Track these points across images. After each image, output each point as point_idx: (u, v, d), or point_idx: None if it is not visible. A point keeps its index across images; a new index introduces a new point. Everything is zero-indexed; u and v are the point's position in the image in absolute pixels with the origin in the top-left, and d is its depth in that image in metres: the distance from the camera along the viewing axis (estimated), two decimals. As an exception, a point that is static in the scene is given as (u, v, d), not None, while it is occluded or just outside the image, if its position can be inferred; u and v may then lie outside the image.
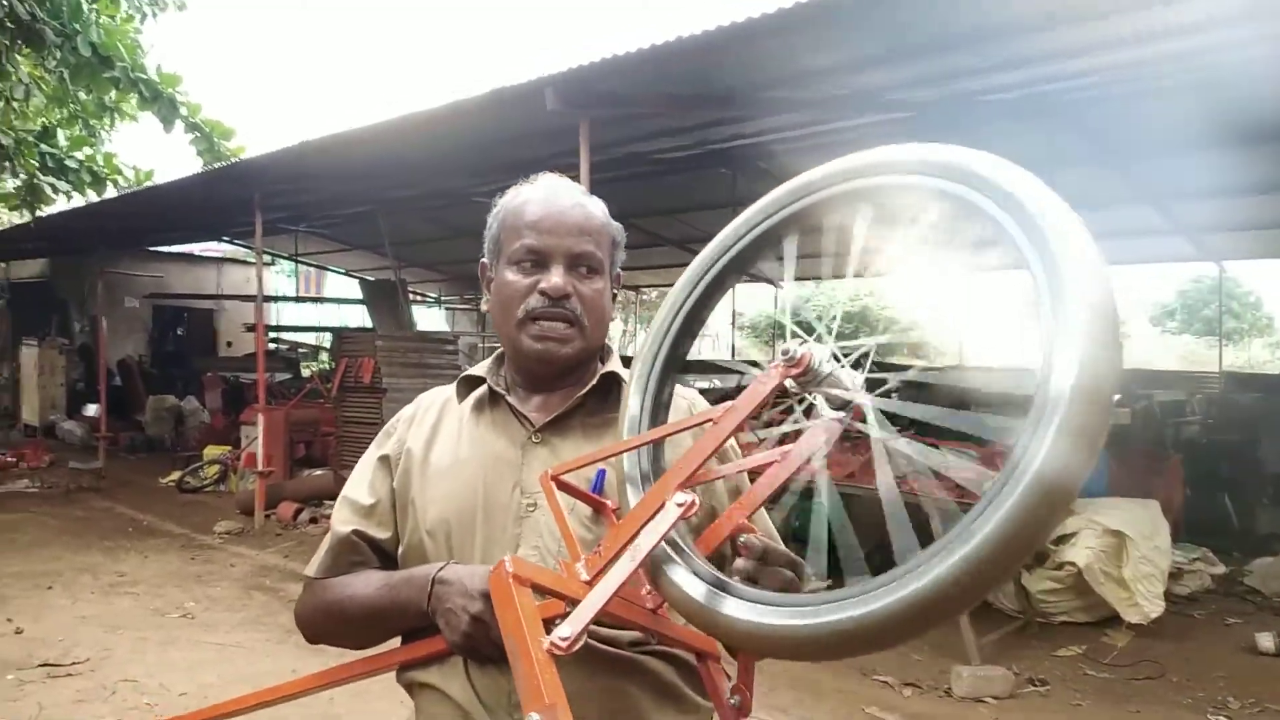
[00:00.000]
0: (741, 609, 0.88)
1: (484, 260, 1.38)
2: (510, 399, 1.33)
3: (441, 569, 1.20)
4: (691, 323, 1.14)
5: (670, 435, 1.06)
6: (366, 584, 1.29)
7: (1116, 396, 0.72)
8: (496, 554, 1.23)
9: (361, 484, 1.37)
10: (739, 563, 1.03)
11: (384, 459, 1.37)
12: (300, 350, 16.33)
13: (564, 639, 0.85)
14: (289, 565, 6.62)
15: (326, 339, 16.86)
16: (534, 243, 1.28)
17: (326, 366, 14.41)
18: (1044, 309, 0.74)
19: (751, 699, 1.05)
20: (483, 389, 1.36)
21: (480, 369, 1.40)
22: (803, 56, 4.51)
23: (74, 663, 4.61)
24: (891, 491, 0.83)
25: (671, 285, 1.16)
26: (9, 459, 11.20)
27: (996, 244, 0.80)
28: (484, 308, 1.40)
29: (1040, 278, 0.76)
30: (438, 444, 1.35)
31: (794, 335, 0.91)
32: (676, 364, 1.14)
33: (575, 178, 5.11)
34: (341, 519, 1.35)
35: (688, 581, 0.94)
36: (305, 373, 14.70)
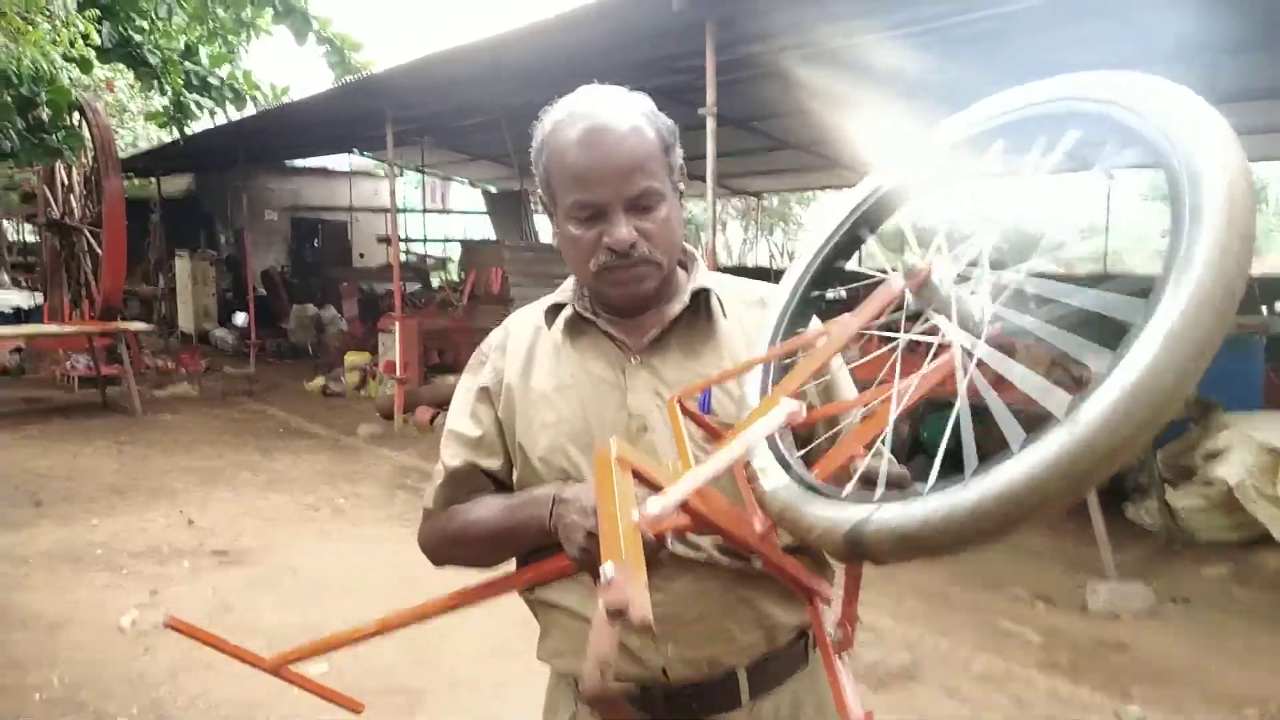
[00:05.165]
0: (828, 507, 0.86)
1: (539, 191, 1.33)
2: (600, 323, 1.31)
3: (562, 488, 1.20)
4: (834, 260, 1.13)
5: (785, 354, 1.07)
6: (489, 509, 1.31)
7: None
8: None
9: (464, 416, 1.37)
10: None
11: (484, 390, 1.37)
12: (428, 260, 16.82)
13: (652, 514, 0.84)
14: (427, 467, 6.94)
15: (451, 250, 17.30)
16: (587, 197, 1.21)
17: (455, 277, 14.81)
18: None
19: (854, 635, 1.04)
20: (569, 313, 1.33)
21: (564, 294, 1.36)
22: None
23: (240, 551, 5.01)
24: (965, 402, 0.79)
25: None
26: (170, 365, 12.05)
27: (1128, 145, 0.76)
28: (554, 241, 1.37)
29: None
30: (535, 372, 1.34)
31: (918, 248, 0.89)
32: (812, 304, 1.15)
33: (700, 80, 5.02)
34: (452, 453, 1.36)
35: (783, 483, 0.94)
36: (434, 283, 15.16)
